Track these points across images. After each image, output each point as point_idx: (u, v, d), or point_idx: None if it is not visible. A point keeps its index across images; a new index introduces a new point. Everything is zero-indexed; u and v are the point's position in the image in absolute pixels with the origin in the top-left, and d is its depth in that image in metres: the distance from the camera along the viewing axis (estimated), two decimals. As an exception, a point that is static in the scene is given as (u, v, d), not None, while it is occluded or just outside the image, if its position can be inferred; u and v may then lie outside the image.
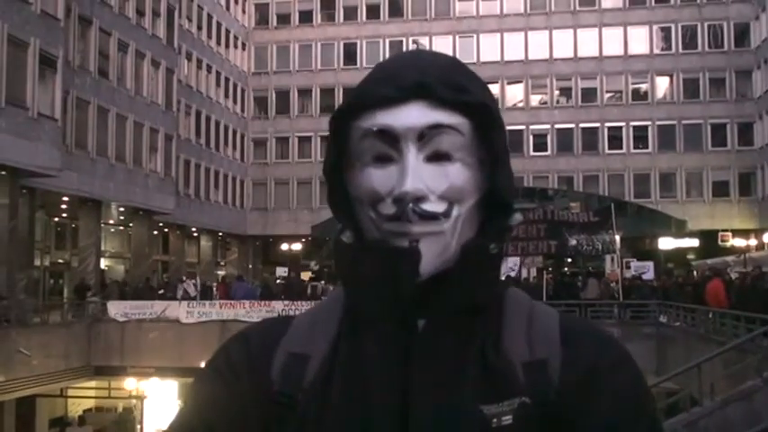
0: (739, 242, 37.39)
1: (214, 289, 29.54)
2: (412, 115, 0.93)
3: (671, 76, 47.52)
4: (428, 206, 0.92)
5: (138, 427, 26.51)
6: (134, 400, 27.02)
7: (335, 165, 1.00)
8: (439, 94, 0.93)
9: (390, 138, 0.93)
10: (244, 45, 51.61)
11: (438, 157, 0.93)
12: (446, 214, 0.93)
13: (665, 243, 41.46)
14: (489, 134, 0.96)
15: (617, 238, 22.49)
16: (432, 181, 0.93)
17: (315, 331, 1.01)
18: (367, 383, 0.93)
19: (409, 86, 0.93)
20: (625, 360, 0.98)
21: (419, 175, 0.92)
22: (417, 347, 0.94)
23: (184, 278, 30.81)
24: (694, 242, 42.55)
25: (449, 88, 0.94)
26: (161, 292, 28.00)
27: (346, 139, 0.98)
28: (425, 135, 0.93)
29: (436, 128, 0.93)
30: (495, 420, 0.90)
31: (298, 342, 1.00)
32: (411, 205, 0.91)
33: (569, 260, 34.37)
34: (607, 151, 47.18)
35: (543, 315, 1.01)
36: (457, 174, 0.94)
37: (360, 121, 0.95)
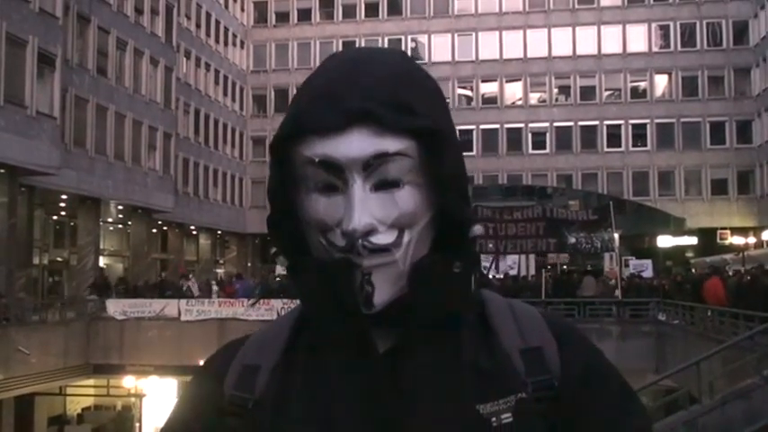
0: (738, 240, 37.40)
1: (213, 286, 29.48)
2: (354, 145, 0.87)
3: (670, 74, 47.53)
4: (378, 239, 0.88)
5: (137, 425, 26.50)
6: (133, 399, 27.02)
7: (280, 187, 0.95)
8: (383, 121, 0.87)
9: (334, 168, 0.88)
10: (242, 43, 51.59)
11: (386, 185, 0.89)
12: (396, 244, 0.90)
13: (664, 241, 41.50)
14: (439, 151, 0.91)
15: (616, 236, 22.48)
16: (380, 211, 0.89)
17: (267, 342, 1.00)
18: (328, 395, 0.92)
19: (350, 112, 0.87)
20: (604, 357, 1.00)
21: (367, 209, 0.88)
22: (401, 359, 0.91)
23: (191, 276, 30.83)
24: (693, 240, 42.60)
25: (394, 112, 0.88)
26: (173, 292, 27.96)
27: (288, 164, 0.93)
28: (371, 164, 0.88)
29: (382, 156, 0.88)
30: (494, 419, 0.88)
31: (251, 354, 0.99)
32: (360, 241, 0.88)
33: (568, 258, 34.35)
34: (606, 149, 47.19)
35: (524, 308, 1.01)
36: (407, 199, 0.90)
37: (300, 147, 0.90)
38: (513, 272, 27.02)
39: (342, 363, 0.92)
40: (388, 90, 0.89)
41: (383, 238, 0.89)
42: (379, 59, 0.94)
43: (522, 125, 48.08)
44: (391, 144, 0.88)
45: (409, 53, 1.02)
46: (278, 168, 0.94)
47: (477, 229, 0.97)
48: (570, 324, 1.02)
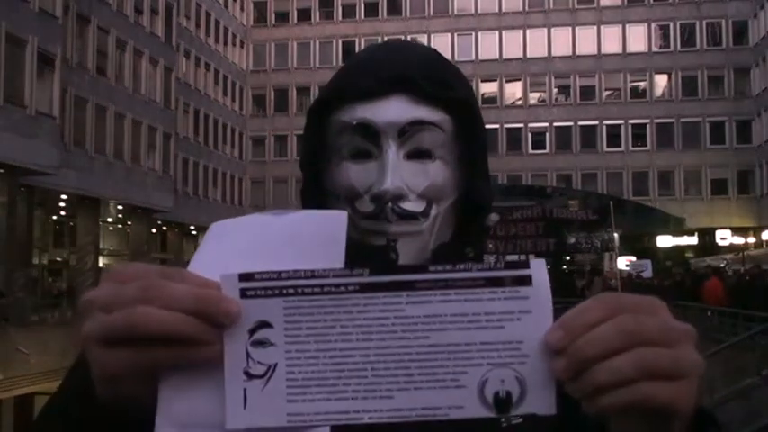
0: (737, 240, 37.41)
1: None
2: (393, 110, 0.90)
3: (669, 74, 47.54)
4: (407, 205, 0.90)
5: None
6: (133, 399, 27.03)
7: (312, 158, 0.97)
8: (422, 89, 0.90)
9: (370, 133, 0.90)
10: (242, 43, 51.59)
11: (418, 155, 0.91)
12: (425, 214, 0.91)
13: (664, 241, 41.53)
14: (470, 132, 0.94)
15: (615, 236, 22.50)
16: (412, 179, 0.90)
17: None
18: None
19: (391, 79, 0.90)
20: None
21: (399, 174, 0.89)
22: None
23: None
24: (693, 240, 42.60)
25: (432, 83, 0.91)
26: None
27: (323, 132, 0.95)
28: (407, 131, 0.90)
29: (418, 124, 0.90)
30: (503, 420, 0.86)
31: None
32: (390, 204, 0.89)
33: (568, 258, 34.39)
34: (606, 149, 47.20)
35: None
36: (437, 172, 0.91)
37: (338, 115, 0.92)
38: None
39: None
40: (428, 66, 0.93)
41: (412, 205, 0.90)
42: (418, 46, 1.00)
43: (521, 125, 48.09)
44: (428, 113, 0.90)
45: None
46: (312, 137, 0.96)
47: (494, 216, 0.99)
48: None
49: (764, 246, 37.15)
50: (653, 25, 47.93)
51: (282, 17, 52.15)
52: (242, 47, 51.56)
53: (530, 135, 48.13)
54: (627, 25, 47.96)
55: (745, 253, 31.06)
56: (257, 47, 52.18)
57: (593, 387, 0.57)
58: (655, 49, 47.94)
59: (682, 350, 0.58)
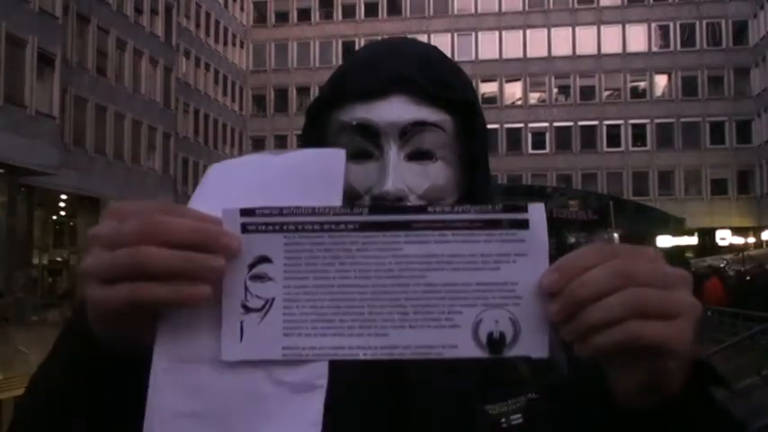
0: (737, 240, 37.40)
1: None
2: (394, 110, 0.89)
3: (669, 74, 47.54)
4: None
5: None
6: (133, 399, 27.01)
7: None
8: (422, 89, 0.89)
9: (370, 133, 0.89)
10: (242, 43, 51.59)
11: (419, 156, 0.90)
12: None
13: (664, 241, 41.41)
14: (471, 133, 0.94)
15: (615, 236, 22.50)
16: (413, 180, 0.89)
17: None
18: (342, 385, 0.90)
19: (391, 78, 0.89)
20: None
21: (400, 175, 0.88)
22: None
23: None
24: (693, 240, 42.58)
25: (433, 83, 0.90)
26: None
27: (323, 131, 0.94)
28: (408, 132, 0.89)
29: (420, 125, 0.89)
30: (503, 420, 0.86)
31: None
32: None
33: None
34: (605, 149, 47.19)
35: None
36: (438, 173, 0.91)
37: (338, 114, 0.92)
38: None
39: None
40: (429, 65, 0.92)
41: None
42: (419, 44, 1.00)
43: (521, 125, 48.08)
44: (429, 114, 0.90)
45: None
46: (311, 136, 0.95)
47: None
48: None
49: (764, 246, 37.16)
50: (653, 25, 47.92)
51: (282, 17, 52.16)
52: (242, 47, 51.57)
53: (530, 135, 48.13)
54: (627, 25, 47.96)
55: (745, 253, 31.06)
56: (257, 47, 52.19)
57: (586, 327, 0.58)
58: (655, 49, 47.94)
59: (675, 292, 0.59)
